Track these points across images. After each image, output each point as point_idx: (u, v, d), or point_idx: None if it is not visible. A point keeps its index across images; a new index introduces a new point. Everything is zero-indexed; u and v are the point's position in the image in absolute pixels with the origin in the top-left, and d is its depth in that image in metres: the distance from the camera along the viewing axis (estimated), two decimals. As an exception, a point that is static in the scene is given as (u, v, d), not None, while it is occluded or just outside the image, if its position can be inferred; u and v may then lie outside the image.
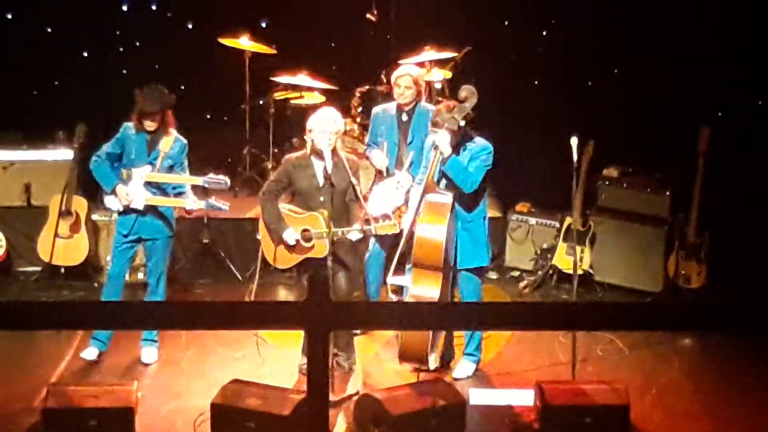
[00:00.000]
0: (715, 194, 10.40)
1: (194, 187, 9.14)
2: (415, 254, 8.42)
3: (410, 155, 9.48)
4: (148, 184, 8.96)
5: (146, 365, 9.15)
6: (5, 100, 11.44)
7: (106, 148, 9.03)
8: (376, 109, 9.75)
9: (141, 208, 8.98)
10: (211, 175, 9.04)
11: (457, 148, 8.53)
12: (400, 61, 11.36)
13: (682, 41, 11.28)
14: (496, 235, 11.24)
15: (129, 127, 9.02)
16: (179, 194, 9.06)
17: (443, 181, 8.57)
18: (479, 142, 8.62)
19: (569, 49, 11.74)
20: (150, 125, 8.95)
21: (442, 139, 8.46)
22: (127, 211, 8.99)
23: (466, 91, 8.59)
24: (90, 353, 9.14)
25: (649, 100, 11.40)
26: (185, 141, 9.07)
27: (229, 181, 9.10)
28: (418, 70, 9.77)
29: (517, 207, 11.31)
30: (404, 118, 9.57)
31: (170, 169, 9.02)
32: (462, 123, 8.51)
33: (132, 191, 8.94)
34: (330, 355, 8.40)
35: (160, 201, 9.04)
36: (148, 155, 8.99)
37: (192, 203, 9.00)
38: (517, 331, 9.29)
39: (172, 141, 9.01)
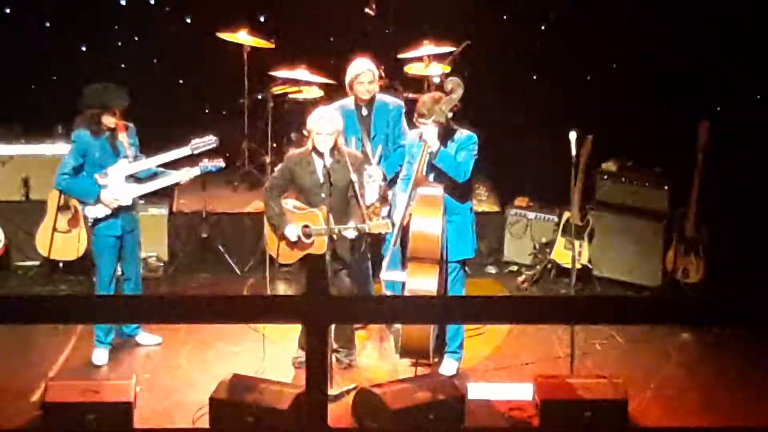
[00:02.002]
0: (714, 189, 10.40)
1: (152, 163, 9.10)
2: (411, 247, 8.40)
3: (378, 149, 9.39)
4: (128, 178, 8.90)
5: (98, 368, 9.06)
6: (4, 94, 11.43)
7: (70, 163, 8.87)
8: (334, 107, 9.44)
9: (130, 203, 8.94)
10: (196, 139, 8.99)
11: (443, 140, 8.53)
12: (398, 56, 11.39)
13: (681, 35, 11.26)
14: (495, 229, 11.25)
15: (84, 134, 8.86)
16: (151, 176, 9.03)
17: (432, 174, 8.57)
18: (463, 132, 8.63)
19: (568, 44, 11.72)
20: (113, 122, 8.82)
21: (430, 133, 8.45)
22: (111, 213, 8.90)
23: (453, 83, 8.58)
24: (101, 357, 9.08)
25: (647, 95, 11.39)
26: (131, 123, 9.05)
27: (216, 139, 9.04)
28: (373, 63, 9.52)
29: (515, 201, 11.31)
30: (364, 112, 9.45)
31: (136, 156, 8.99)
32: (449, 115, 8.51)
33: (117, 191, 8.86)
34: (329, 350, 8.41)
35: (149, 188, 9.03)
36: (115, 153, 8.90)
37: (184, 174, 9.01)
38: (516, 325, 9.29)
39: (125, 129, 8.93)
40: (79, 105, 8.90)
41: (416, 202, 8.43)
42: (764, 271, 9.86)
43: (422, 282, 8.33)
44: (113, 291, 9.05)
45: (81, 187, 8.92)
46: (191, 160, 9.17)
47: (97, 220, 8.92)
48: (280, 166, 8.97)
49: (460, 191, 8.62)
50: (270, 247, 8.85)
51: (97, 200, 8.85)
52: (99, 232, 8.99)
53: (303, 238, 8.64)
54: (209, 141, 8.99)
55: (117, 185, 8.87)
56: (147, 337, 9.31)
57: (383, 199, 9.18)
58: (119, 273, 9.15)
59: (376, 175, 9.20)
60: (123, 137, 8.89)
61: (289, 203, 8.75)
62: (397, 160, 9.29)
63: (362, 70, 9.35)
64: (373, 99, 9.44)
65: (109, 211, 8.88)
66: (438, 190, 8.46)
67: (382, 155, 9.38)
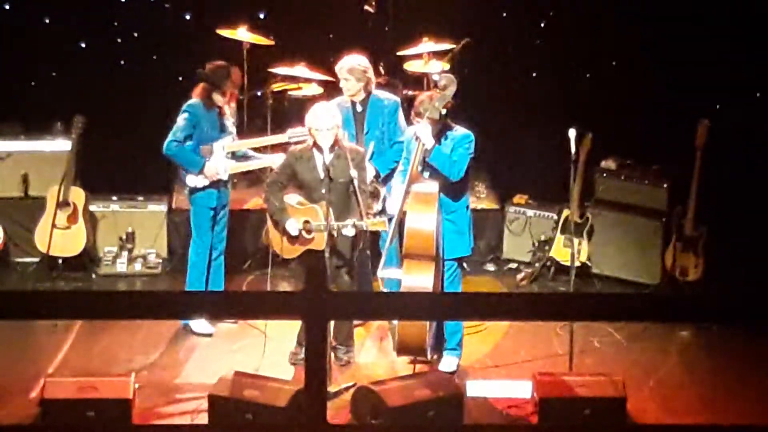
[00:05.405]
0: (713, 187, 10.40)
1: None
2: (406, 244, 8.38)
3: (371, 145, 9.39)
4: (227, 154, 9.36)
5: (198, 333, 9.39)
6: (3, 90, 11.42)
7: (181, 131, 9.24)
8: (331, 103, 9.52)
9: (226, 178, 9.40)
10: (290, 129, 9.25)
11: (438, 137, 8.51)
12: (398, 53, 11.38)
13: (681, 33, 11.26)
14: (494, 227, 11.24)
15: (197, 105, 9.28)
16: (242, 157, 9.55)
17: (426, 172, 8.55)
18: (460, 130, 8.61)
19: (567, 41, 11.72)
20: (221, 101, 9.33)
21: (424, 130, 8.43)
22: (209, 185, 9.32)
23: (446, 79, 8.55)
24: (200, 326, 9.44)
25: (647, 93, 11.39)
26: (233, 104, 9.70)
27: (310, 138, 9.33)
28: (354, 60, 9.43)
29: (514, 199, 11.29)
30: (359, 109, 9.45)
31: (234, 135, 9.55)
32: (443, 111, 8.47)
33: (219, 165, 9.28)
34: (329, 347, 8.41)
35: (244, 167, 9.56)
36: (221, 129, 9.37)
37: (275, 159, 9.35)
38: (515, 321, 9.28)
39: (233, 109, 9.62)
40: (198, 77, 9.34)
41: (410, 199, 8.42)
42: (763, 268, 9.86)
43: (417, 279, 8.32)
44: (205, 260, 9.47)
45: (188, 156, 9.29)
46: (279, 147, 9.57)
47: (193, 190, 9.35)
48: (281, 161, 8.98)
49: (456, 189, 8.60)
50: (273, 242, 8.86)
51: (200, 171, 9.27)
52: (197, 202, 9.43)
53: (304, 234, 8.66)
54: (303, 132, 9.10)
55: (219, 160, 9.29)
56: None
57: (374, 195, 9.15)
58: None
59: (368, 171, 9.21)
60: (229, 116, 9.44)
61: (293, 198, 8.77)
62: (392, 157, 9.29)
63: (339, 66, 9.43)
64: (368, 96, 9.44)
65: (207, 183, 9.31)
66: (432, 187, 8.45)
67: (375, 151, 9.37)
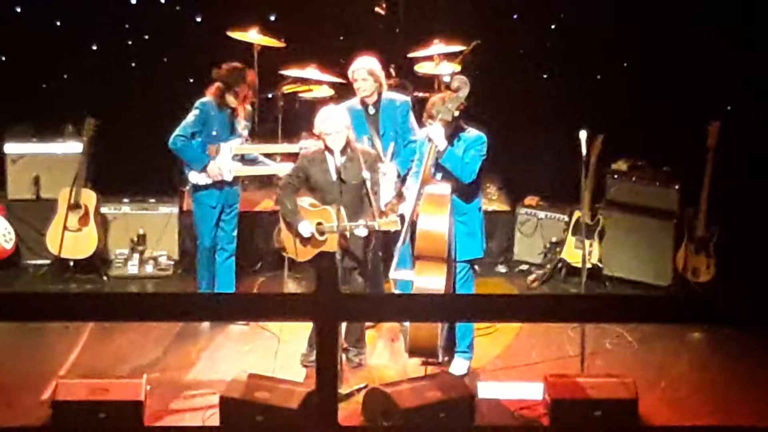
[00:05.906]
0: (725, 188, 10.38)
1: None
2: (418, 246, 8.37)
3: (391, 146, 9.37)
4: (234, 156, 9.43)
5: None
6: (15, 93, 11.44)
7: (190, 127, 9.34)
8: (342, 107, 9.49)
9: (230, 179, 9.45)
10: (302, 141, 9.38)
11: (451, 139, 8.50)
12: (408, 55, 11.38)
13: (692, 35, 11.25)
14: (505, 228, 11.24)
15: (209, 103, 9.38)
16: (251, 161, 9.63)
17: (439, 174, 8.55)
18: (472, 132, 8.60)
19: (578, 43, 11.71)
20: (234, 102, 9.40)
21: (437, 132, 8.42)
22: (212, 183, 9.40)
23: (459, 81, 8.53)
24: None
25: (658, 94, 11.37)
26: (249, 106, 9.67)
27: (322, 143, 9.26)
28: (372, 61, 9.45)
29: (525, 201, 11.29)
30: (371, 111, 9.43)
31: (246, 138, 9.59)
32: (456, 113, 8.47)
33: (223, 166, 9.36)
34: (340, 349, 8.41)
35: (250, 171, 9.68)
36: (231, 130, 9.43)
37: (280, 168, 9.50)
38: (526, 323, 9.28)
39: (245, 111, 9.54)
40: (213, 76, 9.46)
41: (423, 200, 8.41)
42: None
43: (429, 281, 8.31)
44: (208, 258, 9.61)
45: (193, 153, 9.37)
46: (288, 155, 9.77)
47: (196, 187, 9.46)
48: (294, 164, 8.99)
49: (468, 190, 8.60)
50: (286, 245, 8.86)
51: (203, 169, 9.36)
52: (198, 200, 9.55)
53: (317, 235, 8.66)
54: (316, 144, 9.07)
55: (224, 161, 9.37)
56: None
57: (399, 195, 9.17)
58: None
59: (390, 172, 9.20)
60: (241, 118, 9.47)
61: (305, 200, 8.78)
62: (408, 156, 9.28)
63: (356, 67, 9.40)
64: (379, 97, 9.43)
65: (209, 181, 9.40)
66: (445, 189, 8.44)
67: (395, 151, 9.36)
